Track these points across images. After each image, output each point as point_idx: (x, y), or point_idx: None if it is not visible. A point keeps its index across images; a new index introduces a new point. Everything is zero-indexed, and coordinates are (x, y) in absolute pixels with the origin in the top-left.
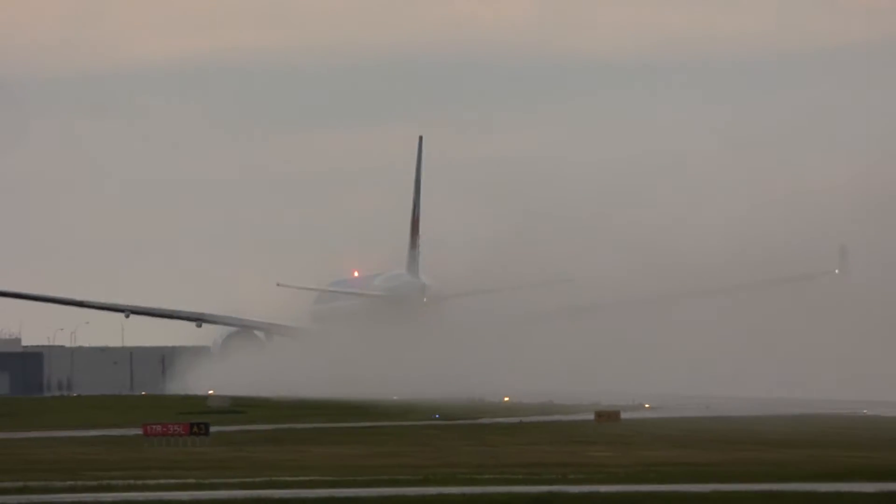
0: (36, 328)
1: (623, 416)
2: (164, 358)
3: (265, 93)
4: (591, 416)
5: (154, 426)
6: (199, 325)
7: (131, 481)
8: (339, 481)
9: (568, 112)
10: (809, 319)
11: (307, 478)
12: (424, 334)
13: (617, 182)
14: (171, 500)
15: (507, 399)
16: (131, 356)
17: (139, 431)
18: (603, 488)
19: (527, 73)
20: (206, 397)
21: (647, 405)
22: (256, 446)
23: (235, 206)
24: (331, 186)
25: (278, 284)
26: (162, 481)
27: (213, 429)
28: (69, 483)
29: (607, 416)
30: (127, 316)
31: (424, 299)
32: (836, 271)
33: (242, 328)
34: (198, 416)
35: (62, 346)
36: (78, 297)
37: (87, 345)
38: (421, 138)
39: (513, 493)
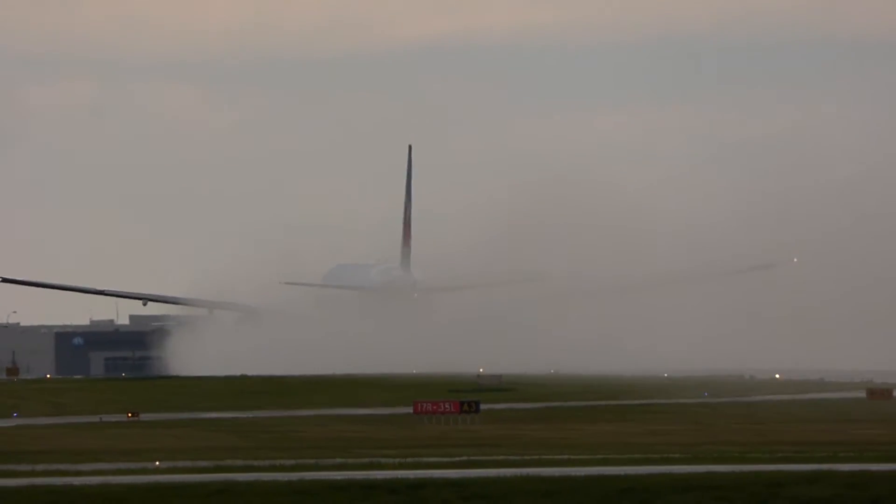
0: None
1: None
2: None
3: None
4: (863, 394)
5: (425, 404)
6: (211, 312)
7: (401, 459)
8: (609, 459)
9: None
10: None
11: (576, 456)
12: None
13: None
14: (440, 479)
15: (778, 376)
16: None
17: (409, 410)
18: (874, 467)
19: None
20: (477, 375)
21: None
22: (526, 424)
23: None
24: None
25: (281, 283)
26: (432, 459)
27: (483, 406)
28: (339, 461)
29: (879, 394)
30: (144, 304)
31: (415, 295)
32: None
33: (249, 314)
34: (468, 394)
35: None
36: (98, 287)
37: None
38: (410, 147)
39: (782, 471)
